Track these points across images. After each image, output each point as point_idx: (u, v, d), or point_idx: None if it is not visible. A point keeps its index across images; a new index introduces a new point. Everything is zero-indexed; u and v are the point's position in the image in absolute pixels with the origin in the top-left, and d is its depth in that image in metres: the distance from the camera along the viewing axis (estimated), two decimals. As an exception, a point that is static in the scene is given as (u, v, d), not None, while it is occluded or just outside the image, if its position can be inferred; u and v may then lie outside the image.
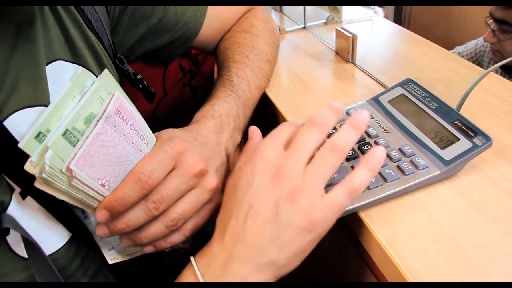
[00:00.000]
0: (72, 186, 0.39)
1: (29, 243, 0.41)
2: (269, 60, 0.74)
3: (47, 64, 0.46)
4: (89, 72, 0.47)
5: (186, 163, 0.46)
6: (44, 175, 0.37)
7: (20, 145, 0.36)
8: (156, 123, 0.90)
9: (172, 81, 0.88)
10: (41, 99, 0.44)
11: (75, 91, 0.40)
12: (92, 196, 0.41)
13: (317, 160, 0.42)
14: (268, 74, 0.74)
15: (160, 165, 0.44)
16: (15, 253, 0.43)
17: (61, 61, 0.48)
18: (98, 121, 0.39)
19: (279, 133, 0.45)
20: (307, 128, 0.43)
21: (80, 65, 0.50)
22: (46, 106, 0.44)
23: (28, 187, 0.42)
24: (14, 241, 0.42)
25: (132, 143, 0.43)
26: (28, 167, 0.37)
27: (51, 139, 0.37)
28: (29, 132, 0.37)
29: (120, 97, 0.42)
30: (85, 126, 0.39)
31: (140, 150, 0.44)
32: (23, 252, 0.43)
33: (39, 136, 0.37)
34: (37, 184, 0.38)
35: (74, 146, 0.38)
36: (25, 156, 0.38)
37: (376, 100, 0.64)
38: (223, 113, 0.59)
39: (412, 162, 0.53)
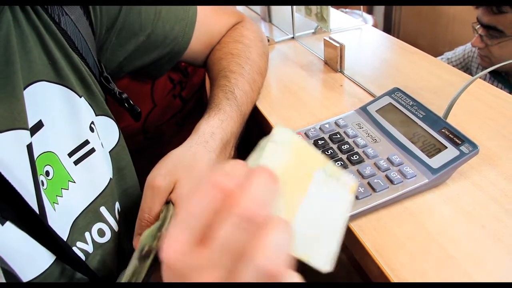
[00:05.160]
0: None
1: (8, 272, 0.40)
2: (261, 72, 0.74)
3: (28, 86, 0.46)
4: None
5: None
6: None
7: None
8: (146, 134, 0.90)
9: (161, 92, 0.88)
10: (19, 123, 0.43)
11: None
12: None
13: None
14: (260, 86, 0.74)
15: None
16: None
17: (43, 82, 0.48)
18: None
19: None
20: None
21: (64, 85, 0.50)
22: (25, 129, 0.43)
23: (7, 212, 0.41)
24: None
25: None
26: None
27: None
28: None
29: None
30: None
31: None
32: (2, 280, 0.42)
33: None
34: None
35: None
36: (2, 180, 0.37)
37: (364, 110, 0.64)
38: (229, 131, 0.60)
39: (400, 171, 0.53)
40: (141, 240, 0.45)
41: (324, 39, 0.85)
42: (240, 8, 1.30)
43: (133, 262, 0.44)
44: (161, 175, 0.52)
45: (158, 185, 0.51)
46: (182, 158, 0.54)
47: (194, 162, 0.54)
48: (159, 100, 0.88)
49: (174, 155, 0.55)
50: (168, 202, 0.51)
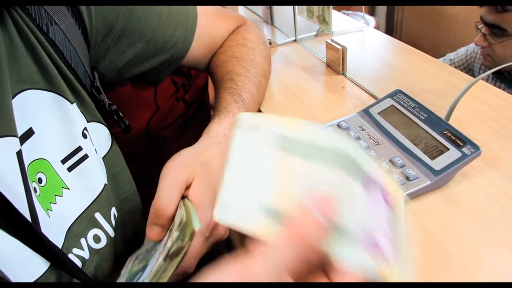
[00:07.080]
0: None
1: (1, 278, 0.40)
2: (265, 74, 0.74)
3: (17, 94, 0.46)
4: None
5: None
6: None
7: None
8: (149, 137, 0.90)
9: (164, 95, 0.88)
10: (8, 130, 0.43)
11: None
12: None
13: None
14: (265, 89, 0.74)
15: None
16: None
17: (34, 90, 0.47)
18: None
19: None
20: None
21: (55, 92, 0.49)
22: (14, 136, 0.43)
23: None
24: None
25: None
26: None
27: None
28: None
29: None
30: None
31: None
32: None
33: None
34: None
35: None
36: None
37: (366, 112, 0.64)
38: None
39: (403, 173, 0.53)
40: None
41: (326, 41, 0.85)
42: (242, 11, 1.31)
43: (158, 261, 0.43)
44: (179, 167, 0.50)
45: (176, 175, 0.49)
46: (197, 155, 0.53)
47: (211, 161, 0.53)
48: (162, 103, 0.89)
49: (187, 152, 0.54)
50: (183, 197, 0.49)
